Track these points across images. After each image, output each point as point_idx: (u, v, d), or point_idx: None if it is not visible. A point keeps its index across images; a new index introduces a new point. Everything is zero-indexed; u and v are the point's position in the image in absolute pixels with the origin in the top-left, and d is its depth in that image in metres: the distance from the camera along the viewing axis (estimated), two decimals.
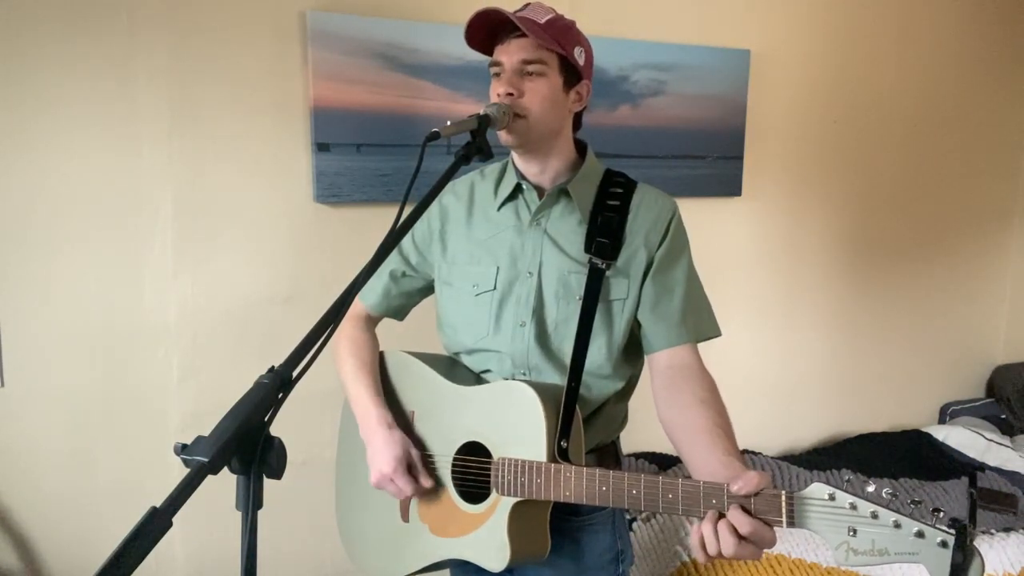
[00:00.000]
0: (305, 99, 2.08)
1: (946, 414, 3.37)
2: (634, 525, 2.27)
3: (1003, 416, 3.31)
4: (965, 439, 3.01)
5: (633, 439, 1.53)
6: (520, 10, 1.24)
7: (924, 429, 3.15)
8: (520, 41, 1.23)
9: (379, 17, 2.10)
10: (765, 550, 1.02)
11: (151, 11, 1.91)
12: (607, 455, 1.38)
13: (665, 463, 2.58)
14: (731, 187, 2.72)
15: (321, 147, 2.08)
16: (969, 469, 2.76)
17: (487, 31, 1.26)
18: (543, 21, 1.23)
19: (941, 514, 0.91)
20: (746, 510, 1.00)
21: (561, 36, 1.25)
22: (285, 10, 2.03)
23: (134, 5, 1.89)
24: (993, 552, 2.12)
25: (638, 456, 2.62)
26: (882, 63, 2.98)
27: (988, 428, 3.15)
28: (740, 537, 0.99)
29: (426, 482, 1.29)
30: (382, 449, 1.28)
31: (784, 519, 0.98)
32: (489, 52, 1.29)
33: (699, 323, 1.33)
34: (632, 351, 1.35)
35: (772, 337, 2.97)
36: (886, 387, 3.25)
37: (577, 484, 1.15)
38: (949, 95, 3.16)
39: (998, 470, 2.80)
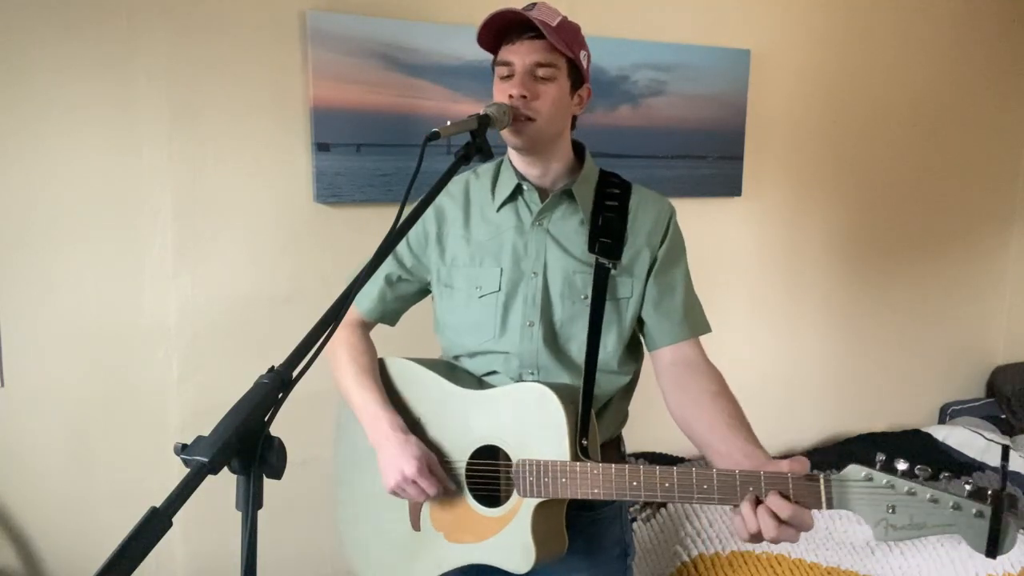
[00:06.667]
0: (305, 99, 2.08)
1: (946, 414, 3.38)
2: (634, 525, 2.27)
3: (1003, 416, 3.31)
4: (965, 439, 3.01)
5: (633, 439, 1.53)
6: (528, 9, 1.24)
7: (924, 429, 3.15)
8: (532, 43, 1.23)
9: (379, 17, 2.10)
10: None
11: (151, 11, 1.91)
12: (612, 450, 1.38)
13: (665, 463, 2.58)
14: (731, 187, 2.72)
15: (321, 147, 2.08)
16: (978, 466, 2.76)
17: (496, 30, 1.26)
18: (555, 24, 1.23)
19: (973, 486, 0.95)
20: (785, 495, 1.02)
21: (571, 40, 1.26)
22: (285, 10, 2.03)
23: (134, 5, 1.90)
24: None
25: (638, 456, 2.62)
26: (882, 63, 2.98)
27: (988, 428, 3.15)
28: (780, 521, 1.02)
29: (450, 485, 1.27)
30: (400, 452, 1.25)
31: (824, 502, 1.01)
32: (493, 50, 1.29)
33: (697, 319, 1.37)
34: (633, 346, 1.37)
35: (772, 337, 2.97)
36: (886, 387, 3.25)
37: (606, 481, 1.15)
38: (949, 95, 3.16)
39: (998, 470, 2.80)
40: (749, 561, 2.07)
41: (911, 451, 2.94)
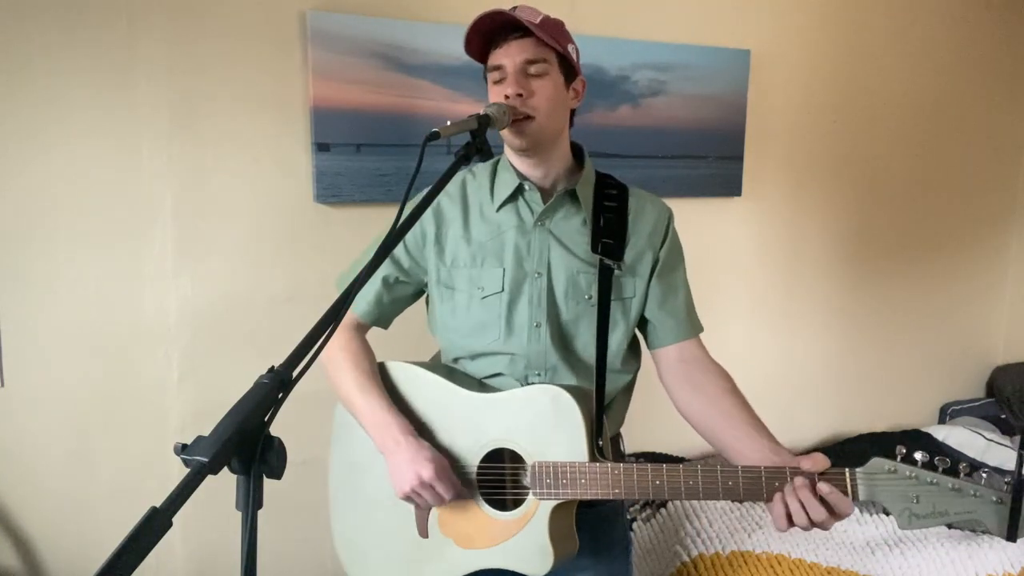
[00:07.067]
0: (305, 99, 2.08)
1: (946, 414, 3.38)
2: (634, 525, 2.27)
3: (1003, 416, 3.31)
4: (965, 439, 3.01)
5: (633, 438, 1.53)
6: (510, 11, 1.24)
7: (924, 429, 3.15)
8: (520, 42, 1.24)
9: (379, 17, 2.10)
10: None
11: (151, 12, 1.91)
12: (613, 449, 1.38)
13: (664, 463, 2.58)
14: (731, 187, 2.72)
15: (321, 147, 2.08)
16: (979, 466, 2.75)
17: (482, 37, 1.26)
18: (538, 21, 1.23)
19: (992, 475, 1.02)
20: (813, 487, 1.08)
21: (556, 34, 1.26)
22: (285, 10, 2.03)
23: (134, 6, 1.90)
24: (993, 552, 2.13)
25: (637, 456, 2.62)
26: (882, 63, 2.98)
27: (988, 428, 3.15)
28: (824, 504, 1.07)
29: (462, 489, 1.25)
30: (415, 456, 1.22)
31: (849, 494, 1.07)
32: (482, 59, 1.29)
33: (695, 318, 1.40)
34: (633, 345, 1.39)
35: (772, 337, 2.97)
36: (886, 387, 3.25)
37: (627, 481, 1.16)
38: (949, 95, 3.16)
39: (998, 470, 2.80)
40: (749, 561, 2.07)
41: (911, 451, 2.94)
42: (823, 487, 1.07)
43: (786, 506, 1.08)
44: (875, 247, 3.11)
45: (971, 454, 2.93)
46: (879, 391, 3.23)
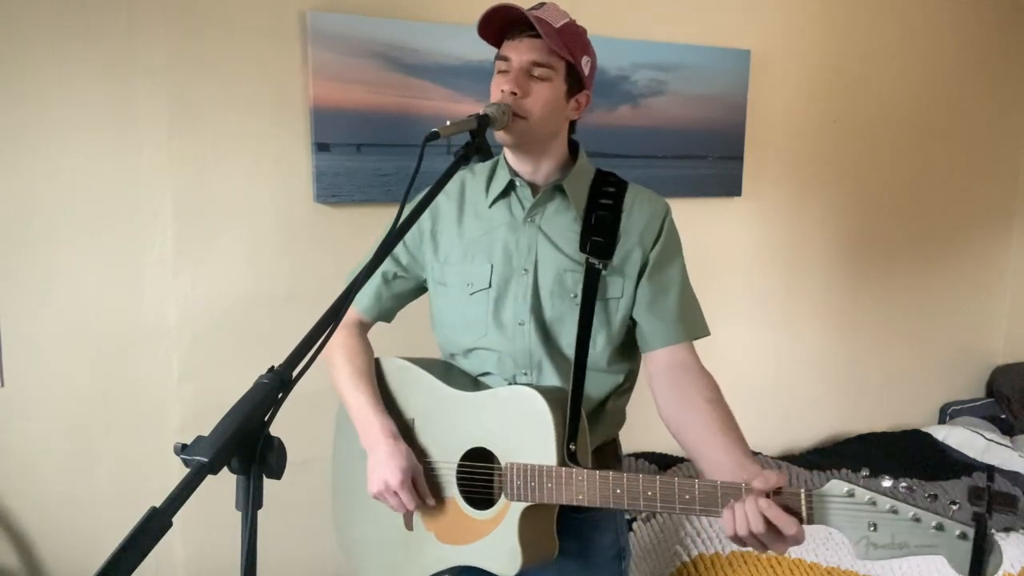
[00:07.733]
0: (305, 99, 2.08)
1: (946, 414, 3.38)
2: (634, 525, 2.27)
3: (1003, 416, 3.31)
4: (965, 439, 3.01)
5: (632, 439, 1.53)
6: (536, 8, 1.23)
7: (924, 429, 3.15)
8: (532, 41, 1.23)
9: (379, 17, 2.10)
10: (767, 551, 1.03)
11: (151, 11, 1.91)
12: (608, 454, 1.38)
13: (665, 463, 2.58)
14: (731, 187, 2.72)
15: (321, 147, 2.08)
16: (979, 466, 2.76)
17: (500, 24, 1.25)
18: (558, 25, 1.22)
19: (958, 507, 0.93)
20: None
21: (572, 44, 1.25)
22: (285, 10, 2.03)
23: (134, 5, 1.89)
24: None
25: (638, 456, 2.62)
26: (882, 63, 2.98)
27: (988, 428, 3.15)
28: (765, 519, 1.00)
29: (429, 500, 1.28)
30: (387, 460, 1.25)
31: (804, 516, 1.00)
32: (497, 44, 1.29)
33: (693, 322, 1.34)
34: (628, 346, 1.35)
35: (772, 337, 2.97)
36: (886, 387, 3.25)
37: (590, 487, 1.15)
38: (949, 95, 3.16)
39: (998, 470, 2.80)
40: (749, 561, 2.07)
41: (911, 451, 2.94)
42: (762, 503, 1.00)
43: (733, 515, 1.03)
44: (875, 247, 3.11)
45: (971, 454, 2.93)
46: (879, 391, 3.23)
